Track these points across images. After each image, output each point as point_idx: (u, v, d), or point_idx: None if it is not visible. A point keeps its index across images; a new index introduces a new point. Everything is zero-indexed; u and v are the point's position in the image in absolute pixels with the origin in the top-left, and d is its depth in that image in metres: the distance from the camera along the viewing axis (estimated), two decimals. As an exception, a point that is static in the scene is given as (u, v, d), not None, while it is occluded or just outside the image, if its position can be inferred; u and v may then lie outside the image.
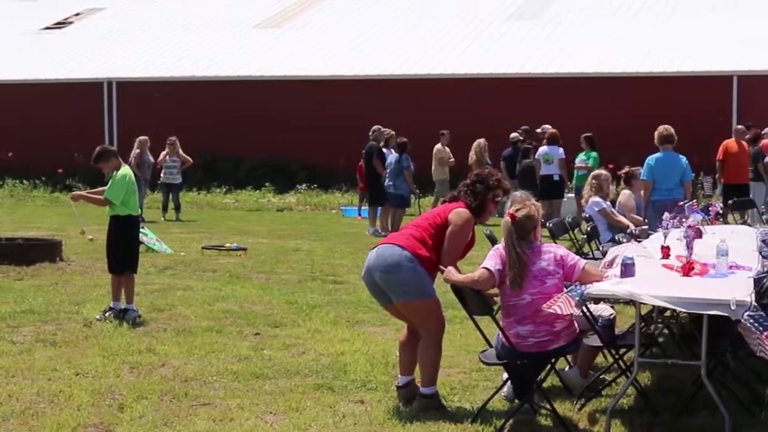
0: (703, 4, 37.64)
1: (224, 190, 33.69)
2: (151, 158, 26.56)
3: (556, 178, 23.50)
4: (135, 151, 25.90)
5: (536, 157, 23.96)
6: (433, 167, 26.53)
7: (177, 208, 26.68)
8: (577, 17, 37.89)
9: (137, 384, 9.33)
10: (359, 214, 27.31)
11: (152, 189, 29.12)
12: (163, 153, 26.78)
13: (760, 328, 7.22)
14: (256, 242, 20.82)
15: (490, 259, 8.05)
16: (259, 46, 38.80)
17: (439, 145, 26.60)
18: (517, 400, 8.29)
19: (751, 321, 7.20)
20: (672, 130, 15.93)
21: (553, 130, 24.31)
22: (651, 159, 15.88)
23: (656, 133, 16.06)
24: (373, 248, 8.59)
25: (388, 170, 22.46)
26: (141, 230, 17.68)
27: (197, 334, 11.59)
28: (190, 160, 27.33)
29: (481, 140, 25.63)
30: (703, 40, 34.30)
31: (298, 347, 10.98)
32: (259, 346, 10.99)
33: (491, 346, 8.34)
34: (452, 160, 26.26)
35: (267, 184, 33.59)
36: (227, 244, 19.36)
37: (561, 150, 23.78)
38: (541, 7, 39.40)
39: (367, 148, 23.47)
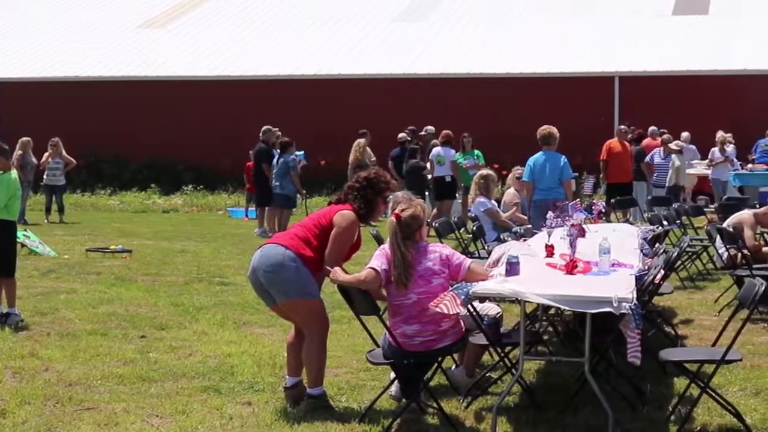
0: (585, 6, 38.17)
1: (109, 191, 33.28)
2: (34, 160, 26.12)
3: (448, 179, 23.62)
4: (17, 152, 25.41)
5: (430, 158, 24.06)
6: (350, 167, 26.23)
7: (60, 210, 26.28)
8: (462, 19, 38.17)
9: (20, 389, 9.17)
10: (246, 215, 27.19)
11: (35, 191, 28.63)
12: (46, 154, 26.37)
13: (632, 326, 7.38)
14: (142, 244, 20.61)
15: (377, 258, 8.07)
16: (143, 46, 38.41)
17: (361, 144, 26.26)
18: (404, 399, 8.31)
19: (631, 316, 7.33)
20: (552, 130, 16.05)
21: (447, 131, 24.44)
22: (531, 160, 15.98)
23: (537, 134, 16.21)
24: (258, 248, 8.56)
25: (274, 171, 22.37)
26: (24, 233, 17.42)
27: (81, 337, 11.43)
28: (74, 161, 26.95)
29: (361, 140, 25.65)
30: (585, 41, 34.80)
31: (185, 349, 10.89)
32: (145, 349, 10.88)
33: (378, 346, 8.36)
34: (374, 159, 25.93)
35: (152, 185, 33.27)
36: (112, 246, 19.15)
37: (453, 151, 23.92)
38: (428, 8, 39.61)
39: (256, 148, 23.37)
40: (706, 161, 27.78)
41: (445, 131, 24.51)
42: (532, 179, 15.86)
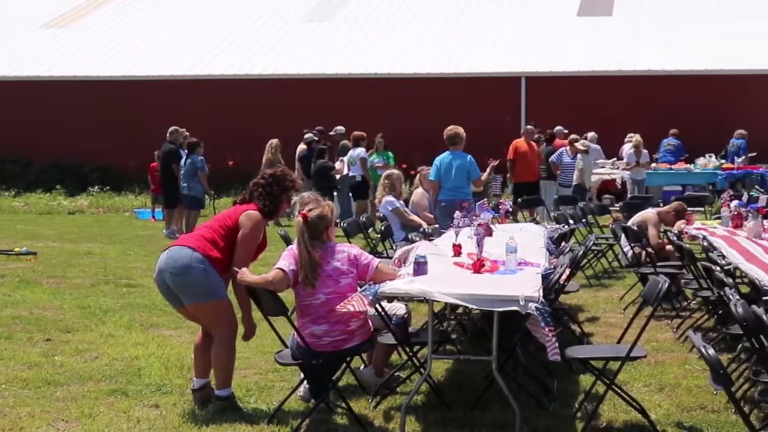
0: (492, 7, 38.43)
1: (13, 193, 32.77)
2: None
3: (358, 179, 23.66)
4: None
5: (343, 158, 24.10)
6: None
7: (-37, 212, 25.88)
8: (370, 19, 38.24)
9: None
10: (153, 217, 26.96)
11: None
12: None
13: (542, 324, 7.45)
14: (47, 246, 20.35)
15: (285, 259, 8.05)
16: (48, 45, 37.90)
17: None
18: (313, 400, 8.31)
19: (538, 314, 7.40)
20: (459, 130, 16.10)
21: (357, 132, 24.47)
22: (438, 160, 16.01)
23: (444, 134, 16.25)
24: (165, 250, 8.49)
25: (182, 171, 22.21)
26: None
27: (-15, 341, 11.26)
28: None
29: (274, 140, 25.55)
30: (492, 42, 35.04)
31: (91, 352, 10.77)
32: (50, 352, 10.74)
33: (287, 347, 8.34)
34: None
35: (58, 186, 32.81)
36: (16, 249, 18.87)
37: (361, 150, 23.95)
38: (335, 8, 39.61)
39: (164, 149, 23.18)
40: (611, 161, 28.19)
41: (357, 132, 24.53)
42: (439, 179, 15.91)
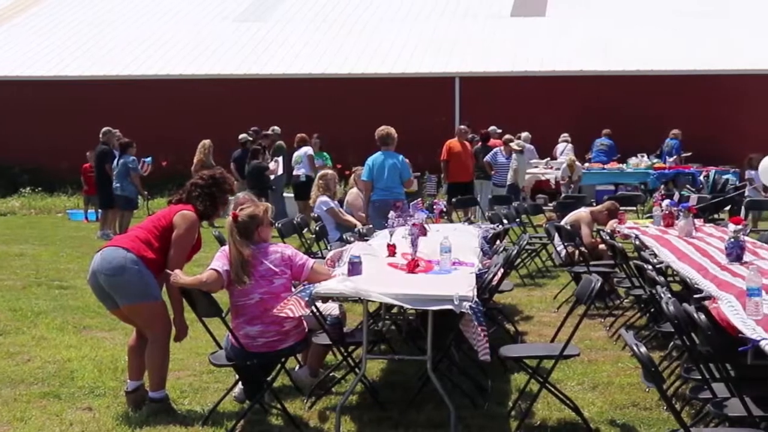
0: (426, 8, 38.53)
1: (-58, 195, 32.41)
2: None
3: (302, 178, 23.63)
4: None
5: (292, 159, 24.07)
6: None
7: None
8: (304, 20, 38.18)
9: None
10: (86, 218, 26.73)
11: None
12: None
13: (476, 323, 7.49)
14: (-23, 248, 20.13)
15: (218, 260, 8.02)
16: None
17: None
18: (247, 401, 8.29)
19: (472, 313, 7.43)
20: (390, 131, 16.08)
21: (301, 135, 24.43)
22: (370, 160, 15.93)
23: (376, 134, 16.25)
24: (98, 251, 8.42)
25: (115, 172, 22.04)
26: None
27: None
28: None
29: (206, 141, 25.44)
30: (426, 42, 35.12)
31: (23, 355, 10.66)
32: (-19, 356, 10.63)
33: (221, 348, 8.32)
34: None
35: (-13, 188, 32.49)
36: (-54, 251, 18.66)
37: (307, 149, 23.92)
38: (268, 9, 39.51)
39: (97, 150, 22.98)
40: (544, 161, 28.37)
41: (300, 134, 24.47)
42: (371, 179, 15.88)
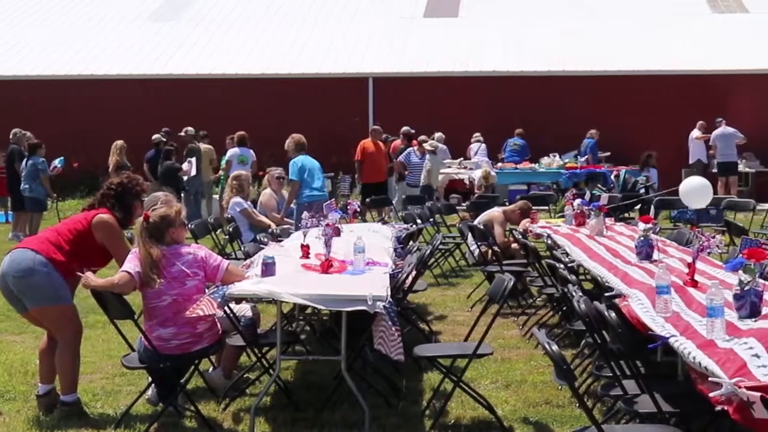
0: (338, 9, 38.53)
1: None
2: None
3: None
4: None
5: (228, 159, 23.83)
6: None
7: None
8: (216, 19, 37.99)
9: None
10: (7, 219, 26.31)
11: None
12: None
13: (390, 323, 7.51)
14: None
15: (130, 262, 7.95)
16: None
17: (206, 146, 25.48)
18: (161, 404, 8.22)
19: (385, 313, 7.46)
20: (303, 137, 16.38)
21: (242, 132, 24.26)
22: (299, 161, 16.08)
23: (290, 143, 16.28)
24: (7, 253, 8.32)
25: (23, 173, 21.75)
26: None
27: None
28: None
29: (119, 141, 25.18)
30: (340, 43, 35.13)
31: (-70, 360, 10.50)
32: None
33: (134, 350, 8.25)
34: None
35: None
36: None
37: (251, 151, 23.83)
38: (180, 9, 39.25)
39: (8, 151, 22.66)
40: (458, 161, 28.50)
41: (240, 132, 24.28)
42: (302, 179, 15.96)
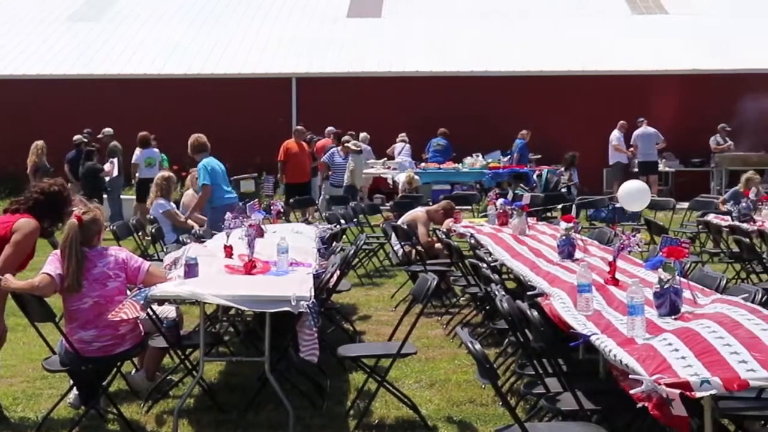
0: (262, 9, 38.42)
1: None
2: None
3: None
4: None
5: (134, 162, 23.66)
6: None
7: None
8: (137, 20, 37.69)
9: None
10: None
11: None
12: None
13: (308, 323, 7.53)
14: None
15: (50, 264, 7.86)
16: None
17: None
18: (83, 407, 8.15)
19: (309, 313, 7.46)
20: (205, 138, 15.71)
21: (144, 133, 24.09)
22: (207, 164, 15.30)
23: (196, 143, 15.68)
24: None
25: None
26: None
27: None
28: None
29: (39, 142, 24.87)
30: (263, 43, 35.01)
31: None
32: None
33: (55, 353, 8.16)
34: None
35: None
36: None
37: (156, 150, 23.71)
38: (101, 9, 38.89)
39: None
40: (381, 161, 28.54)
41: (143, 133, 24.14)
42: (214, 183, 15.40)
